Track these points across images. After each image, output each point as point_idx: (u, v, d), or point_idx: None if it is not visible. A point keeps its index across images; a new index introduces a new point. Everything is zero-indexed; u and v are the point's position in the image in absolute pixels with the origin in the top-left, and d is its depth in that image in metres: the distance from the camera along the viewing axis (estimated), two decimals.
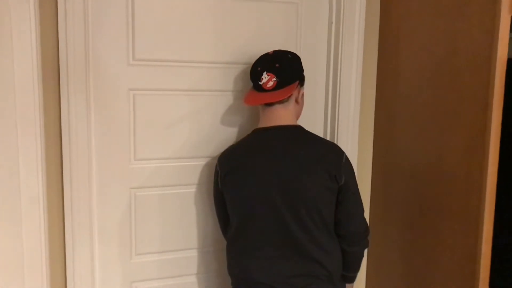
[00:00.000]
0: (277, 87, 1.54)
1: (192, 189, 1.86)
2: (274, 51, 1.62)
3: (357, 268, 1.65)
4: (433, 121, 1.70)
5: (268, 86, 1.54)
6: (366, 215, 2.09)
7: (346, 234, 1.56)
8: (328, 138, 1.98)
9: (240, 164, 1.57)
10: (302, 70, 1.63)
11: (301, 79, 1.61)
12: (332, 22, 1.92)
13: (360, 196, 1.59)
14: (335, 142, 1.94)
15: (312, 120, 1.96)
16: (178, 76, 1.76)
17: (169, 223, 1.85)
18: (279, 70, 1.54)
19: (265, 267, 1.54)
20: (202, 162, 1.85)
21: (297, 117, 1.64)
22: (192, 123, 1.81)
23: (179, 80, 1.77)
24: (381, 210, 2.03)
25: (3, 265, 1.16)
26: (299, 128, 1.59)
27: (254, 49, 1.81)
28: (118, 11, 1.66)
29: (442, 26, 1.66)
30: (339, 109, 1.94)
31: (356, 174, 1.99)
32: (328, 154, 1.53)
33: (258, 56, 1.63)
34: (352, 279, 1.67)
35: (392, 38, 1.93)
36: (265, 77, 1.54)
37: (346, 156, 1.55)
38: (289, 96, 1.56)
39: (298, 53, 1.73)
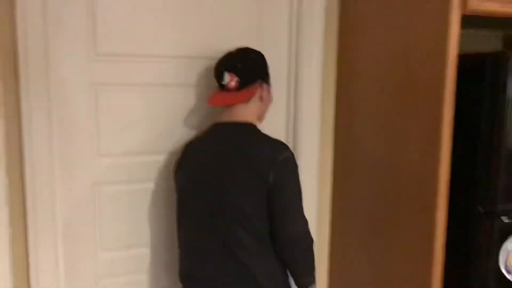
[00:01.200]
0: (239, 87, 1.55)
1: (158, 184, 1.86)
2: (237, 50, 1.63)
3: (304, 273, 1.55)
4: (391, 115, 1.76)
5: (230, 86, 1.55)
6: (327, 205, 2.14)
7: (277, 237, 1.49)
8: (290, 133, 2.02)
9: (188, 156, 1.62)
10: (266, 68, 1.63)
11: (263, 77, 1.61)
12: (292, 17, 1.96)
13: (298, 199, 1.50)
14: (296, 137, 1.99)
15: (273, 115, 1.95)
16: (141, 71, 1.76)
17: (134, 218, 1.84)
18: (240, 70, 1.55)
19: (196, 264, 1.57)
20: (167, 157, 1.85)
21: (260, 114, 1.63)
22: (156, 118, 1.82)
23: (142, 74, 1.77)
24: (343, 201, 2.09)
25: None
26: (249, 126, 1.57)
27: (218, 42, 1.82)
28: (78, 6, 1.63)
29: (398, 22, 1.71)
30: (302, 104, 1.99)
31: (317, 166, 2.05)
32: (263, 151, 1.49)
33: (222, 50, 1.64)
34: (306, 284, 1.56)
35: (351, 35, 1.98)
36: (227, 77, 1.55)
37: (288, 156, 1.49)
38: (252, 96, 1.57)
39: (259, 46, 1.75)
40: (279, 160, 1.46)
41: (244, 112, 1.57)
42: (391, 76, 1.76)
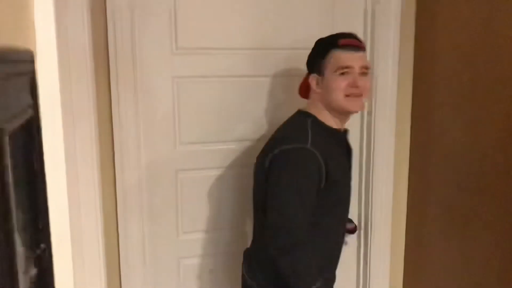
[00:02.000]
0: None
1: (235, 171, 1.93)
2: None
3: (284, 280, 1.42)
4: (470, 101, 1.71)
5: None
6: (403, 193, 2.10)
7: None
8: (365, 121, 2.02)
9: None
10: (312, 58, 1.57)
11: (309, 68, 1.57)
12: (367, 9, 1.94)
13: (284, 196, 1.42)
14: (372, 125, 1.98)
15: None
16: (219, 63, 1.83)
17: (212, 203, 1.93)
18: None
19: None
20: (243, 145, 1.92)
21: (323, 104, 1.53)
22: (232, 108, 1.88)
23: (220, 66, 1.84)
24: (419, 191, 2.06)
25: (66, 238, 1.30)
26: (299, 116, 1.57)
27: (293, 34, 1.86)
28: (162, 5, 1.73)
29: (479, 3, 1.65)
30: (377, 91, 1.97)
31: (393, 155, 2.01)
32: (274, 140, 1.53)
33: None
34: None
35: (429, 19, 1.93)
36: None
37: (284, 150, 1.45)
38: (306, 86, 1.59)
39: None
40: (276, 151, 1.45)
41: (307, 102, 1.60)
42: (470, 61, 1.70)
